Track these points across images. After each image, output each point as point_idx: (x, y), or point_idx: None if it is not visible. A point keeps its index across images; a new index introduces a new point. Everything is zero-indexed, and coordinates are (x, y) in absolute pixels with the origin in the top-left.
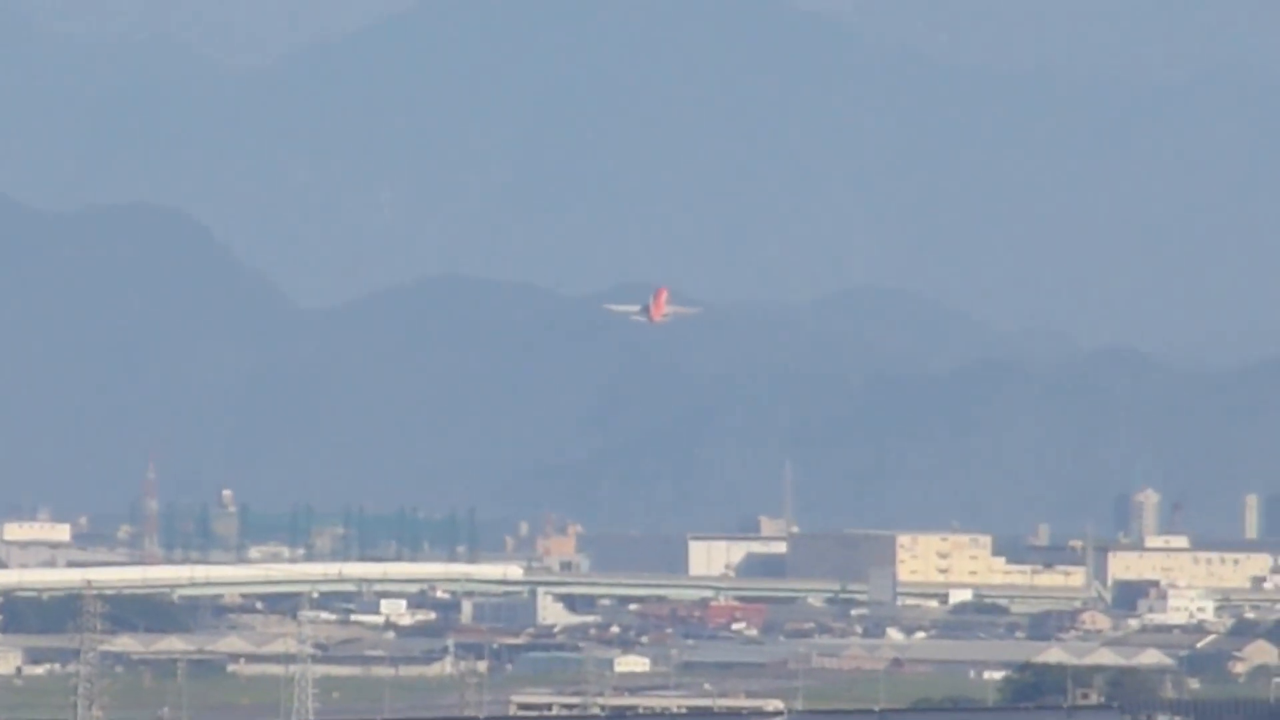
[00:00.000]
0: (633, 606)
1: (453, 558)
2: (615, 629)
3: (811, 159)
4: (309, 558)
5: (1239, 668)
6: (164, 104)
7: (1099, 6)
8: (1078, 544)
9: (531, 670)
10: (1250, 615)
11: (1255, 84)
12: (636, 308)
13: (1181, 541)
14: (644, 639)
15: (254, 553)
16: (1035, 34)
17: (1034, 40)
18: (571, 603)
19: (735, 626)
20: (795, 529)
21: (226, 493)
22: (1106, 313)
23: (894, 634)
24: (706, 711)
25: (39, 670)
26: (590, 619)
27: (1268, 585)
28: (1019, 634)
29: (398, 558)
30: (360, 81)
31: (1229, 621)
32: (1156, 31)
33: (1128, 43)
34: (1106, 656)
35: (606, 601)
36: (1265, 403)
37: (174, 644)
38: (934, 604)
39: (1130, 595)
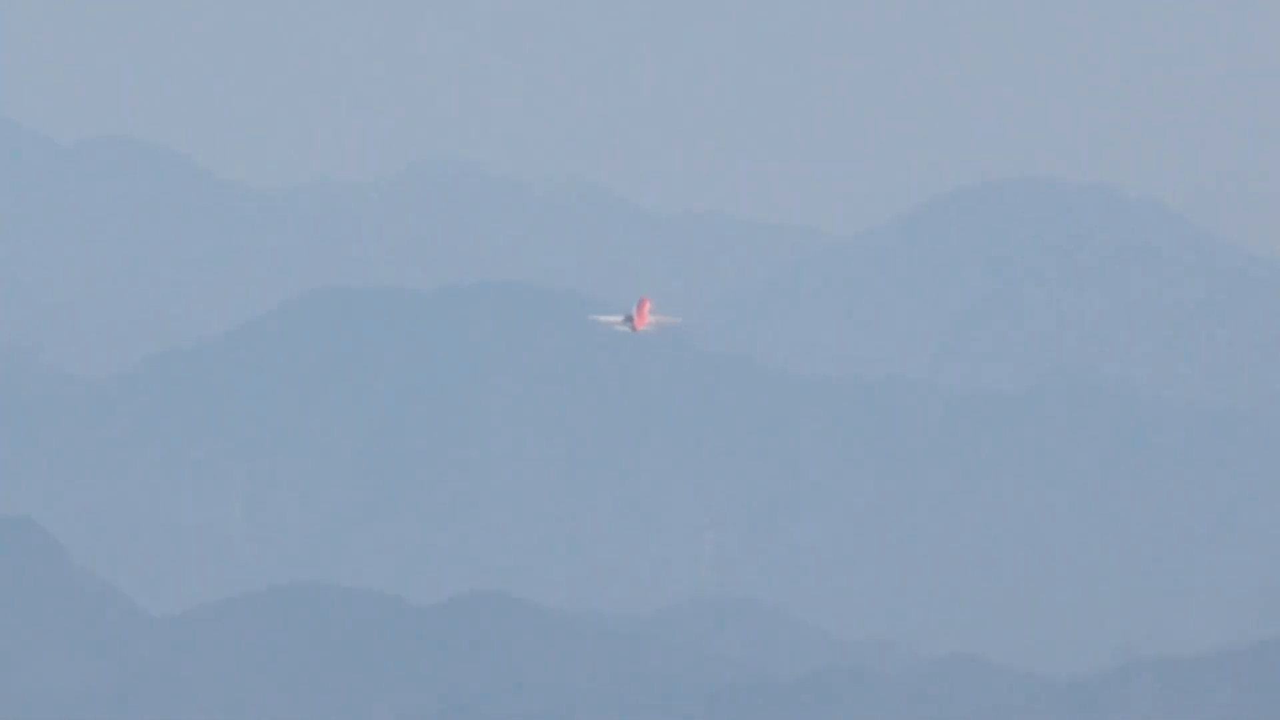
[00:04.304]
0: None
1: None
2: None
3: (650, 466)
4: None
5: None
6: (10, 413)
7: (937, 315)
8: None
9: None
10: None
11: (1091, 390)
12: (620, 318)
13: None
14: None
15: None
16: (869, 342)
17: (868, 348)
18: None
19: None
20: None
21: None
22: (949, 620)
23: None
24: None
25: None
26: None
27: None
28: None
29: None
30: (208, 389)
31: None
32: (991, 338)
33: (963, 349)
34: None
35: None
36: (1108, 710)
37: None
38: None
39: None
